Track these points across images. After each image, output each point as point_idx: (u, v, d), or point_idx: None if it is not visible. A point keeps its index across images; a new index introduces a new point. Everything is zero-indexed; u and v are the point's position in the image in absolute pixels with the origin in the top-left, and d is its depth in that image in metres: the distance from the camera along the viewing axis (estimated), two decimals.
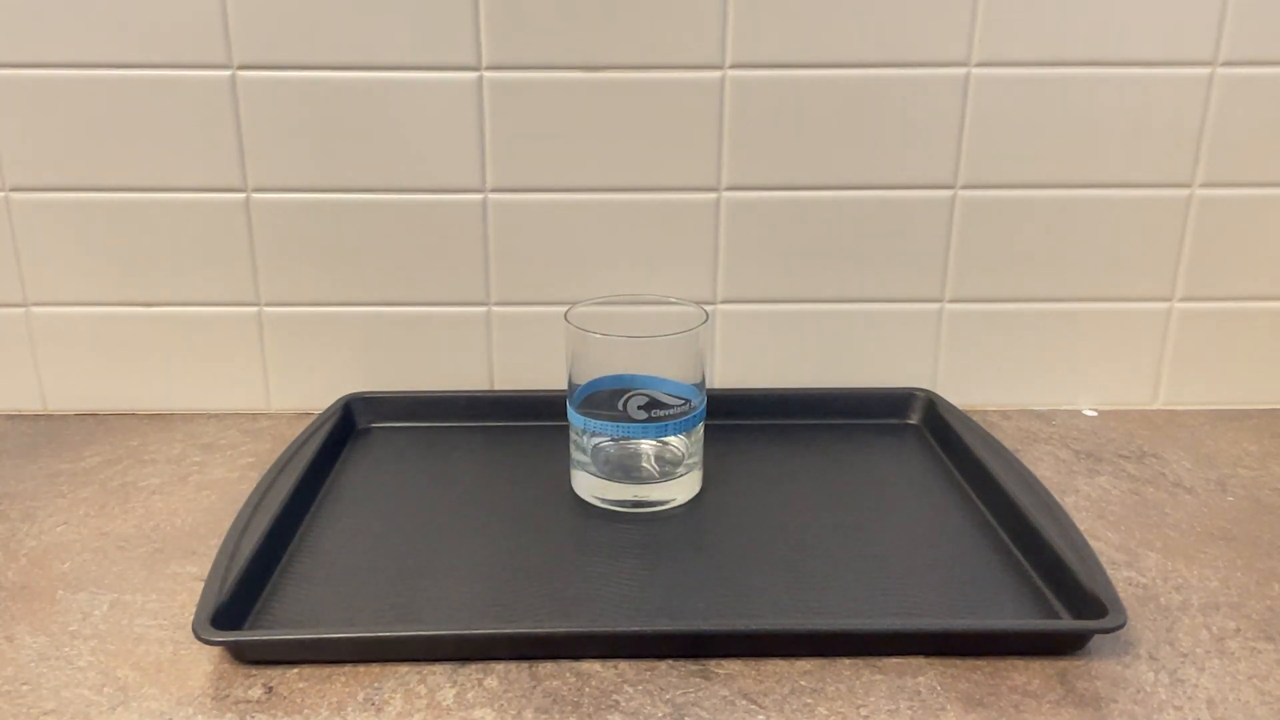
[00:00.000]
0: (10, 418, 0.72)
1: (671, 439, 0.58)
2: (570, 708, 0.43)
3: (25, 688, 0.44)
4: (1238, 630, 0.48)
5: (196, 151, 0.66)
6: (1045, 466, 0.64)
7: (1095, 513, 0.59)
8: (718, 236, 0.69)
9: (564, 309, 0.59)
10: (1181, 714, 0.42)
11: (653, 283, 0.70)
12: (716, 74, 0.65)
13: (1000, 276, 0.70)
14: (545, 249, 0.69)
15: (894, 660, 0.46)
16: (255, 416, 0.72)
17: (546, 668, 0.45)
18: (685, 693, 0.44)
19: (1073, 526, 0.53)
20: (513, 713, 0.42)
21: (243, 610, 0.48)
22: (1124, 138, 0.67)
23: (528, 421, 0.69)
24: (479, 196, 0.68)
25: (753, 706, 0.43)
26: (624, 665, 0.45)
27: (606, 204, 0.68)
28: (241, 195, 0.67)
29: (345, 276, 0.69)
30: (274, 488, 0.56)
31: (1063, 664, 0.45)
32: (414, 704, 0.43)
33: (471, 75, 0.65)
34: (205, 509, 0.59)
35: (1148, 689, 0.44)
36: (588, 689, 0.44)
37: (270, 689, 0.44)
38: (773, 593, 0.50)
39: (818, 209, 0.68)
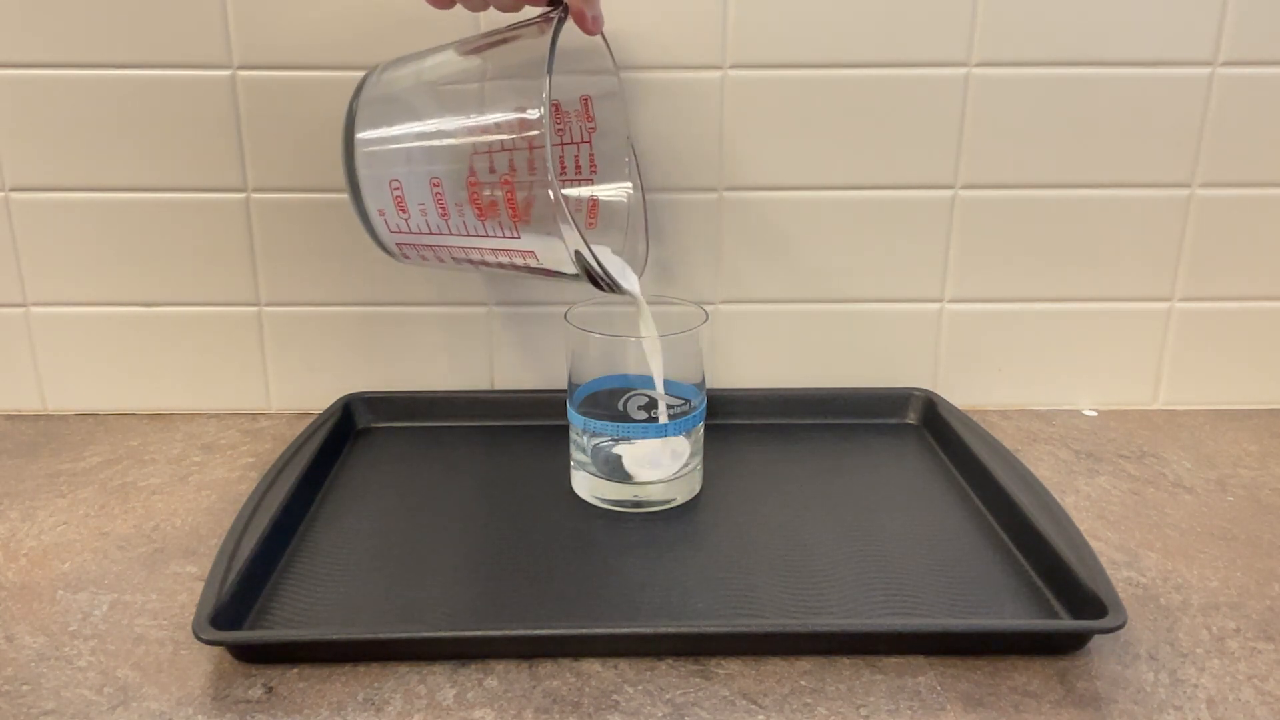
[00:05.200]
0: (10, 418, 0.72)
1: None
2: (570, 708, 0.43)
3: (25, 688, 0.44)
4: (1238, 630, 0.48)
5: (196, 151, 0.66)
6: (1045, 466, 0.64)
7: (1095, 513, 0.59)
8: (719, 237, 0.69)
9: (564, 309, 0.59)
10: (1181, 714, 0.42)
11: (653, 283, 0.70)
12: (716, 74, 0.65)
13: (1000, 276, 0.70)
14: None
15: (894, 660, 0.46)
16: (255, 416, 0.72)
17: (546, 668, 0.45)
18: (685, 693, 0.44)
19: (1073, 526, 0.53)
20: (513, 713, 0.42)
21: (243, 610, 0.48)
22: (1124, 138, 0.67)
23: (528, 421, 0.69)
24: None
25: (753, 706, 0.43)
26: (624, 665, 0.45)
27: None
28: (241, 195, 0.67)
29: (345, 276, 0.69)
30: (274, 488, 0.56)
31: (1063, 664, 0.45)
32: (414, 704, 0.43)
33: None
34: (205, 509, 0.59)
35: (1148, 689, 0.44)
36: (588, 689, 0.44)
37: (270, 689, 0.44)
38: (773, 593, 0.50)
39: (817, 209, 0.68)
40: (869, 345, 0.72)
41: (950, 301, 0.71)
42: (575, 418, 0.57)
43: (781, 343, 0.71)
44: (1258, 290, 0.70)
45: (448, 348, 0.71)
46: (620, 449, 0.58)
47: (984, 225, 0.69)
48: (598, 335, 0.56)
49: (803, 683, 0.44)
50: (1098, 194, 0.68)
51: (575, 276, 0.54)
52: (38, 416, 0.72)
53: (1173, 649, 0.47)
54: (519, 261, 0.54)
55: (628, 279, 0.58)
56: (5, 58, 0.64)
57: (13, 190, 0.67)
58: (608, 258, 0.59)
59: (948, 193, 0.68)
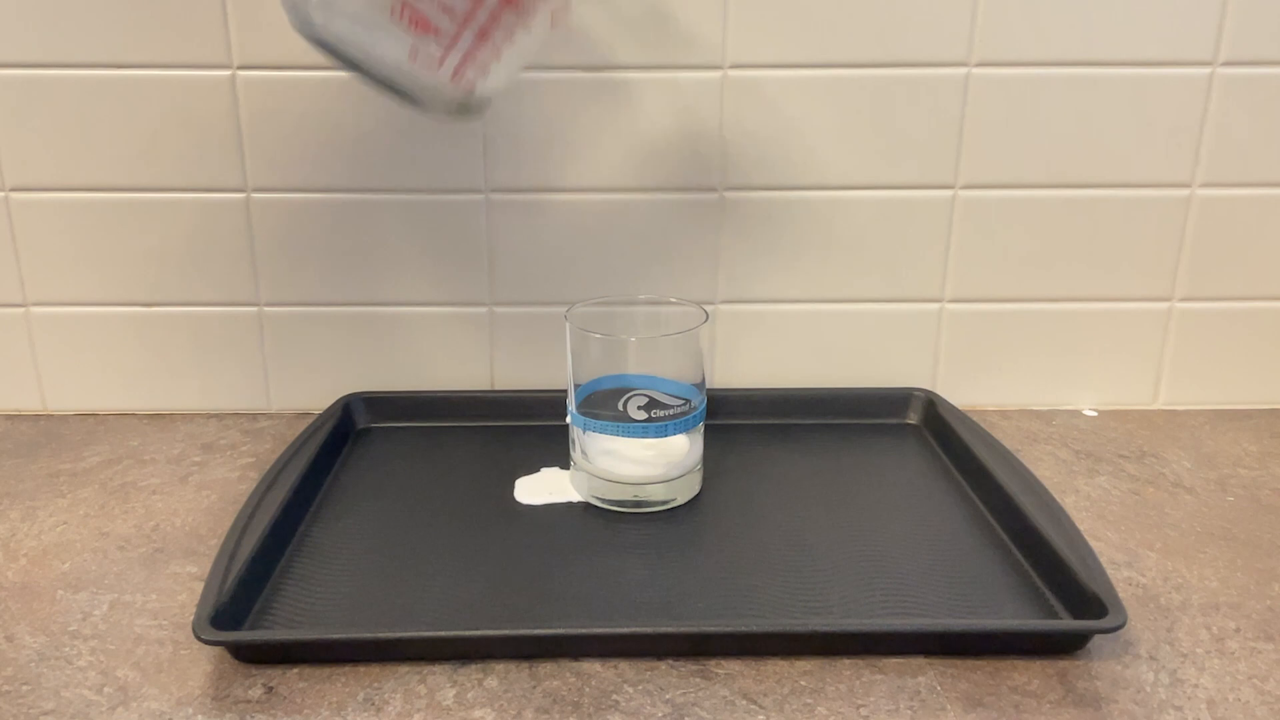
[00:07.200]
0: (10, 418, 0.72)
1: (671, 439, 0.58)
2: (570, 708, 0.43)
3: (25, 688, 0.44)
4: (1238, 630, 0.48)
5: (196, 151, 0.66)
6: (1045, 466, 0.64)
7: (1095, 513, 0.59)
8: (719, 237, 0.69)
9: (564, 309, 0.59)
10: (1181, 714, 0.42)
11: (653, 283, 0.70)
12: (717, 74, 0.65)
13: (1000, 276, 0.70)
14: (545, 249, 0.69)
15: (894, 660, 0.46)
16: (255, 416, 0.72)
17: (546, 668, 0.45)
18: (685, 693, 0.44)
19: (1073, 526, 0.53)
20: (513, 713, 0.42)
21: (243, 610, 0.48)
22: (1124, 138, 0.67)
23: (528, 421, 0.69)
24: (479, 197, 0.68)
25: (753, 706, 0.43)
26: (624, 665, 0.45)
27: (607, 204, 0.68)
28: (241, 195, 0.67)
29: (345, 276, 0.69)
30: (274, 488, 0.56)
31: (1063, 664, 0.45)
32: (414, 704, 0.43)
33: None
34: (205, 509, 0.59)
35: (1148, 689, 0.44)
36: (588, 689, 0.44)
37: (270, 689, 0.44)
38: (773, 593, 0.50)
39: (817, 209, 0.68)
40: (869, 345, 0.72)
41: (950, 301, 0.71)
42: (575, 418, 0.57)
43: (781, 343, 0.71)
44: (1258, 290, 0.70)
45: (448, 348, 0.71)
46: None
47: (984, 225, 0.69)
48: (598, 335, 0.56)
49: (803, 683, 0.44)
50: (1098, 194, 0.68)
51: None
52: (38, 416, 0.72)
53: (1173, 649, 0.47)
54: None
55: None
56: (5, 58, 0.64)
57: (13, 190, 0.67)
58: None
59: (948, 193, 0.68)
